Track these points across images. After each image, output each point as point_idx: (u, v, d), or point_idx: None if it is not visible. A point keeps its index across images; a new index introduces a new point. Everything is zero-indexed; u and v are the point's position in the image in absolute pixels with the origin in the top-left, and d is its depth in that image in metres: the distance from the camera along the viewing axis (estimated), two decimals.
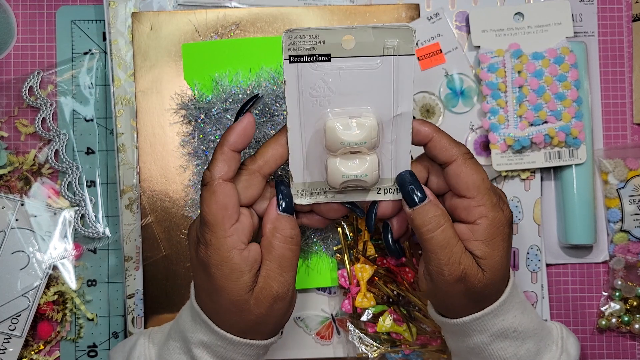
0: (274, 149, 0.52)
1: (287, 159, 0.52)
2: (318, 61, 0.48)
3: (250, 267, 0.50)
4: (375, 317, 0.65)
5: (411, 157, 0.52)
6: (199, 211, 0.65)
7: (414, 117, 0.51)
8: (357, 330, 0.65)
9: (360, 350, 0.65)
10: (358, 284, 0.65)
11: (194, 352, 0.52)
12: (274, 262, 0.51)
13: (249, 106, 0.53)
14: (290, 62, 0.49)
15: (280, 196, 0.52)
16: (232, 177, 0.51)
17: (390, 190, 0.53)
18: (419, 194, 0.51)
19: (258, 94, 0.54)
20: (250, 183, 0.52)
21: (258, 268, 0.51)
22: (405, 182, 0.52)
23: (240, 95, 0.64)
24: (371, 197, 0.54)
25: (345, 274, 0.65)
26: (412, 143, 0.52)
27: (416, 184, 0.51)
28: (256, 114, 0.65)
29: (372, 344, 0.65)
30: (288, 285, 0.51)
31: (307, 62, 0.49)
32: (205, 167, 0.51)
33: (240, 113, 0.52)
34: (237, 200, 0.51)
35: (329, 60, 0.48)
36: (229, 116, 0.64)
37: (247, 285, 0.50)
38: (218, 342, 0.52)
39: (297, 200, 0.53)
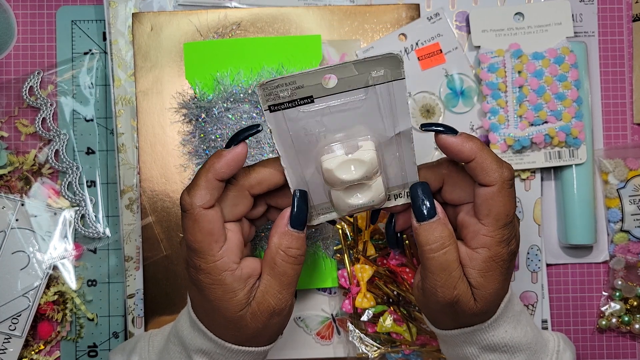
0: (270, 173, 0.49)
1: (282, 186, 0.50)
2: (301, 105, 0.46)
3: (244, 285, 0.49)
4: (376, 317, 0.65)
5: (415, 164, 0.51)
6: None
7: (456, 132, 0.49)
8: (357, 330, 0.65)
9: (360, 350, 0.65)
10: (358, 284, 0.65)
11: (193, 358, 0.52)
12: (274, 279, 0.49)
13: (246, 134, 0.49)
14: (271, 111, 0.46)
15: (294, 210, 0.49)
16: (214, 204, 0.48)
17: (400, 195, 0.52)
18: (429, 209, 0.48)
19: (259, 124, 0.50)
20: (238, 200, 0.50)
21: (254, 282, 0.50)
22: (417, 195, 0.49)
23: (241, 95, 0.64)
24: (383, 205, 0.52)
25: (346, 274, 0.65)
26: (454, 159, 0.50)
27: (429, 198, 0.49)
28: (256, 113, 0.65)
29: (372, 344, 0.65)
30: (286, 301, 0.50)
31: (290, 107, 0.46)
32: (184, 189, 0.48)
33: (234, 139, 0.48)
34: (222, 223, 0.49)
35: (312, 102, 0.46)
36: (229, 115, 0.64)
37: (241, 303, 0.49)
38: (217, 350, 0.51)
39: (308, 222, 0.51)
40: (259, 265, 0.50)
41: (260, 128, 0.49)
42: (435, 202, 0.49)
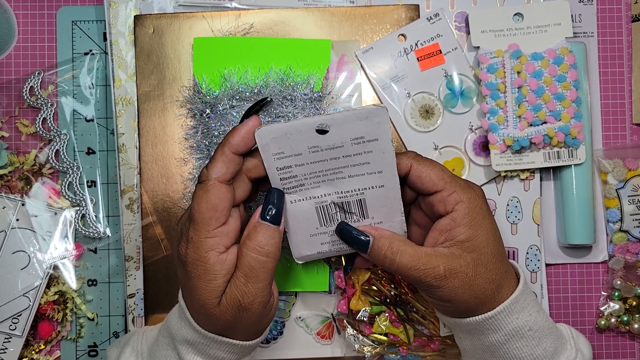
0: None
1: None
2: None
3: (226, 272, 0.49)
4: (372, 317, 0.65)
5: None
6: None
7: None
8: (353, 330, 0.65)
9: (356, 348, 0.65)
10: (354, 286, 0.65)
11: (179, 349, 0.52)
12: (240, 270, 0.50)
13: (257, 108, 0.51)
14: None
15: (267, 204, 0.51)
16: (229, 180, 0.50)
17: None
18: (362, 237, 0.52)
19: (268, 97, 0.51)
20: (237, 185, 0.51)
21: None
22: (346, 232, 0.53)
23: (247, 94, 0.64)
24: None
25: (342, 274, 0.65)
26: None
27: (356, 230, 0.53)
28: (262, 113, 0.65)
29: (370, 344, 0.65)
30: (253, 296, 0.50)
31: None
32: (205, 164, 0.50)
33: (247, 114, 0.51)
34: (230, 204, 0.50)
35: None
36: (234, 113, 0.64)
37: (218, 290, 0.49)
38: (200, 339, 0.51)
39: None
40: None
41: (269, 99, 0.50)
42: (361, 227, 0.53)
